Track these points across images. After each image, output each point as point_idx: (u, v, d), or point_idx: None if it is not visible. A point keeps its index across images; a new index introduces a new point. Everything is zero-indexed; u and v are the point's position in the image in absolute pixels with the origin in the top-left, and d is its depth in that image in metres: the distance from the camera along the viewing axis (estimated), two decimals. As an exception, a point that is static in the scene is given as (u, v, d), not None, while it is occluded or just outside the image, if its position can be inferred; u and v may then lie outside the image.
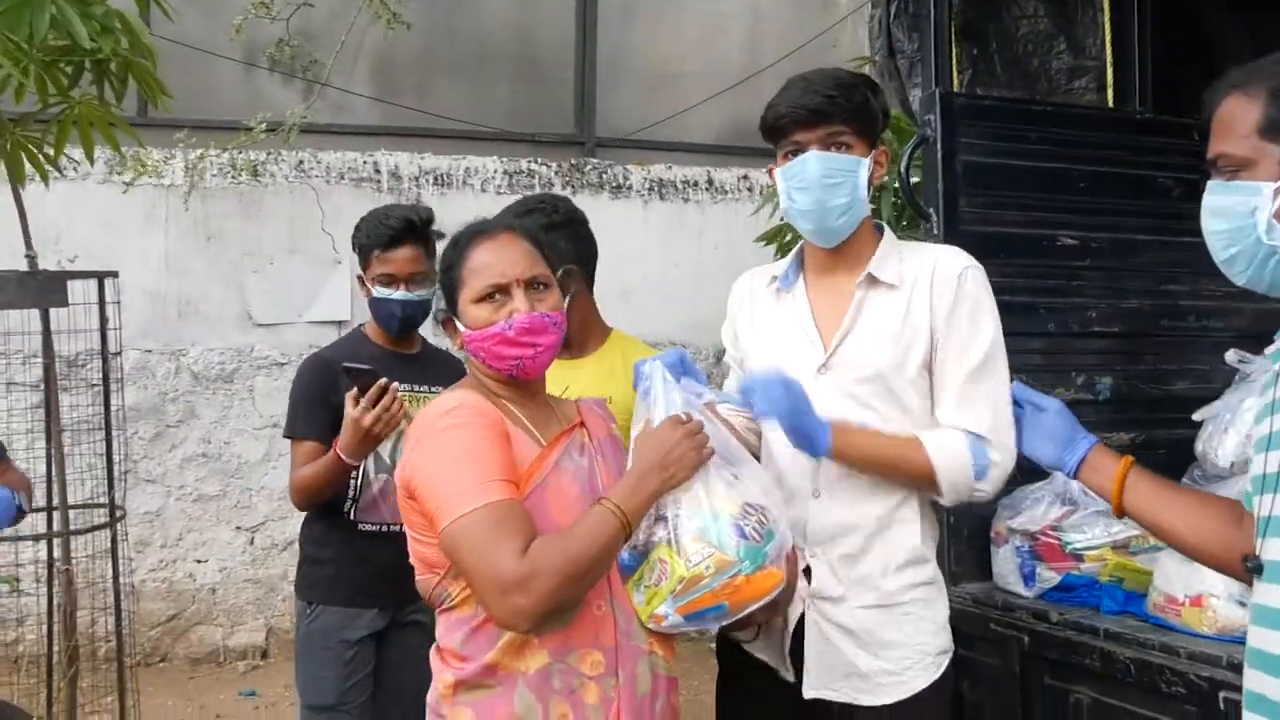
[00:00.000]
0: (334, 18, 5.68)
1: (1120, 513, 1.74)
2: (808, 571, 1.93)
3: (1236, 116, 1.44)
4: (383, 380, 2.47)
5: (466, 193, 5.57)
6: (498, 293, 1.71)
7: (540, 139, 6.03)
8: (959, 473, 1.86)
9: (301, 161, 5.41)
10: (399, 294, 2.70)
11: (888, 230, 2.04)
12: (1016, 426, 1.87)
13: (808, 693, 1.93)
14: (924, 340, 1.91)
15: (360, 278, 2.81)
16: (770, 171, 2.02)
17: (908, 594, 1.93)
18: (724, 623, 1.67)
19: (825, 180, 1.89)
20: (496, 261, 1.72)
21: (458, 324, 1.76)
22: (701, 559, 1.60)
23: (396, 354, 2.79)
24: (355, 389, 2.49)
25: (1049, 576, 2.44)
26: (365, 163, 5.51)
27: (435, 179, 5.59)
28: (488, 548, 1.52)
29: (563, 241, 2.39)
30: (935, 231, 2.63)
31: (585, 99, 6.11)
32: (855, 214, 1.94)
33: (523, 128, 6.02)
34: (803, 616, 1.94)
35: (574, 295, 2.37)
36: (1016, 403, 1.88)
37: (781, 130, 1.93)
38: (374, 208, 2.86)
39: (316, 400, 2.69)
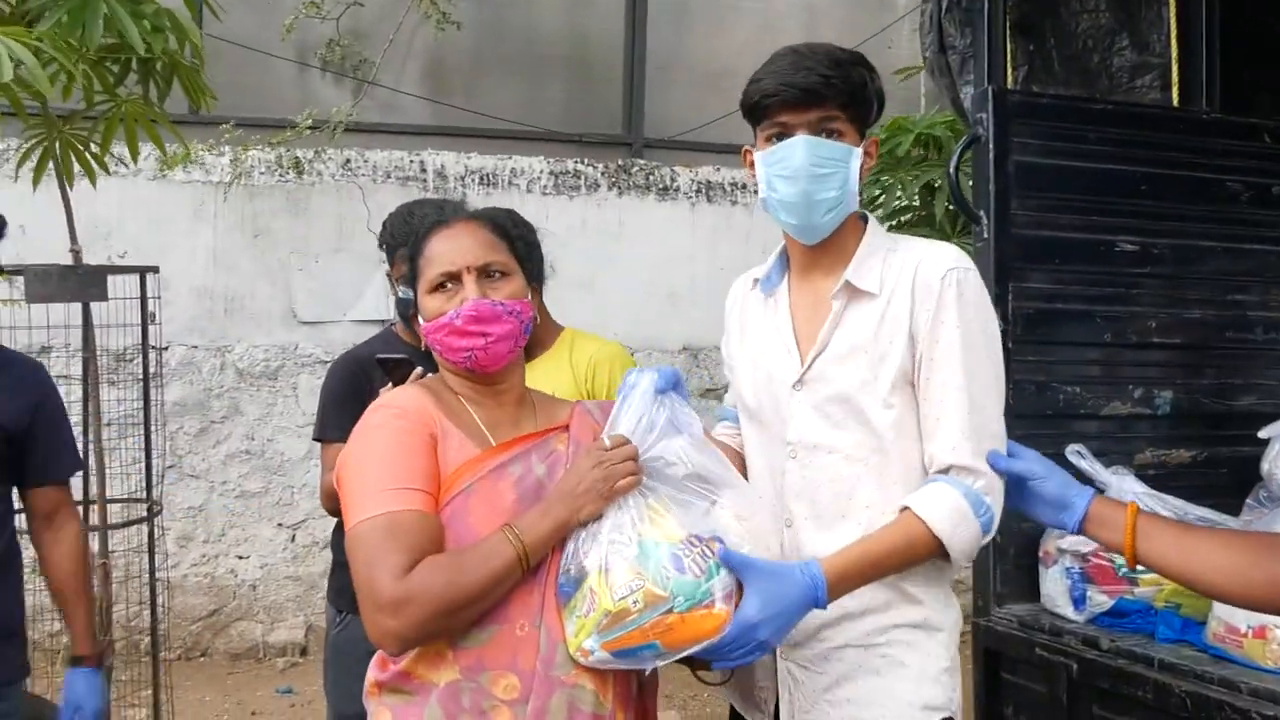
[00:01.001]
0: (384, 17, 5.69)
1: (1135, 563, 1.59)
2: None
3: None
4: (419, 370, 2.41)
5: (512, 193, 5.54)
6: (449, 281, 1.63)
7: (587, 140, 5.98)
8: (968, 540, 1.63)
9: (349, 160, 5.42)
10: None
11: (872, 221, 1.83)
12: (1008, 494, 1.68)
13: None
14: (899, 354, 1.69)
15: (389, 275, 2.77)
16: (747, 155, 1.79)
17: (886, 635, 1.70)
18: (662, 662, 1.49)
19: (814, 170, 1.68)
20: (448, 250, 1.65)
21: (420, 319, 1.69)
22: (629, 592, 1.44)
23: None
24: (390, 383, 2.43)
25: (1101, 600, 2.33)
26: (412, 161, 5.51)
27: (481, 178, 5.57)
28: (372, 561, 1.45)
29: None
30: (985, 235, 2.52)
31: (633, 100, 6.06)
32: (844, 209, 1.73)
33: (570, 128, 5.98)
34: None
35: None
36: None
37: (766, 110, 1.71)
38: (400, 203, 2.82)
39: (347, 400, 2.62)
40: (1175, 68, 2.85)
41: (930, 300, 1.69)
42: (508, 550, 1.47)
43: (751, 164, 1.79)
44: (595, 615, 1.45)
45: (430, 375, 1.99)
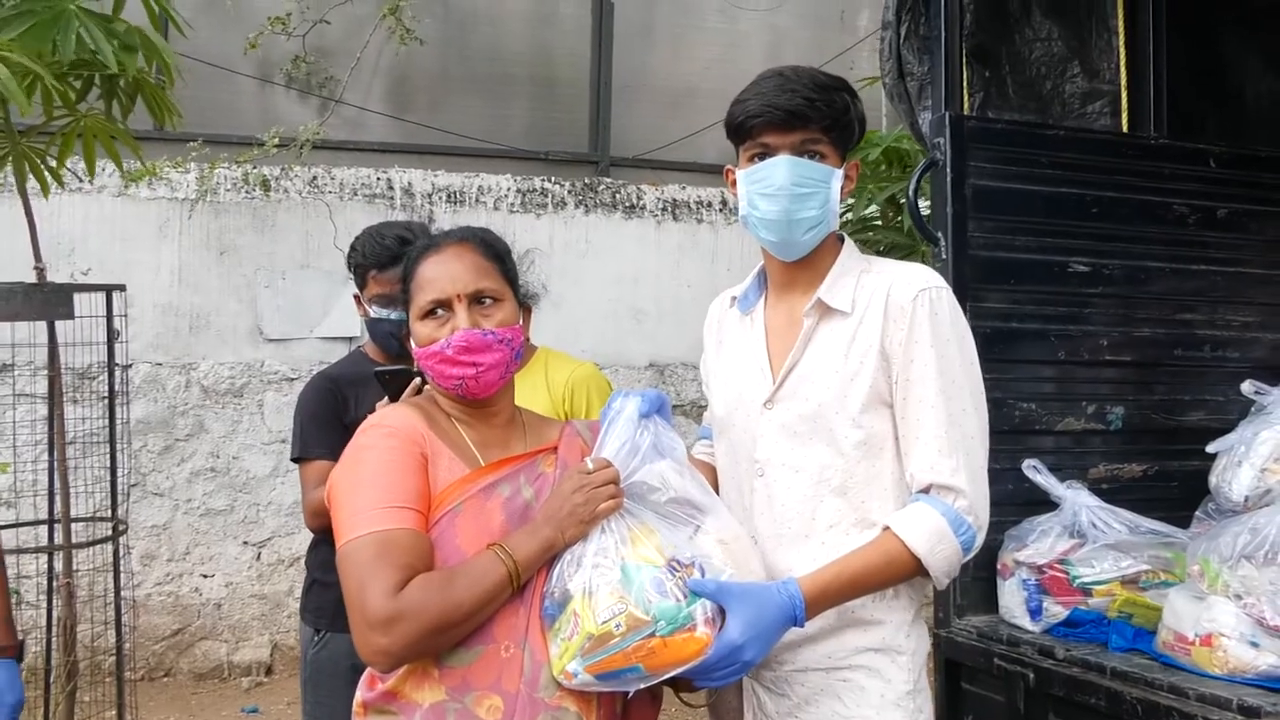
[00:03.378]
0: (350, 35, 5.71)
1: None
2: None
3: None
4: (417, 381, 2.39)
5: (479, 210, 5.57)
6: (440, 308, 1.63)
7: (554, 158, 6.03)
8: (947, 558, 1.67)
9: (315, 177, 5.43)
10: (397, 314, 2.66)
11: (848, 243, 1.87)
12: None
13: None
14: (869, 373, 1.72)
15: (357, 297, 2.77)
16: (729, 173, 1.83)
17: (849, 660, 1.72)
18: (645, 684, 1.50)
19: (796, 189, 1.72)
20: (439, 276, 1.64)
21: (411, 342, 1.70)
22: (612, 616, 1.46)
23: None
24: (386, 397, 2.41)
25: (1056, 611, 2.39)
26: (379, 179, 5.52)
27: (448, 196, 5.60)
28: (364, 578, 1.45)
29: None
30: (944, 256, 2.59)
31: (600, 118, 6.11)
32: (823, 228, 1.78)
33: (537, 146, 6.02)
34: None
35: None
36: None
37: (750, 130, 1.75)
38: (368, 223, 2.84)
39: (325, 419, 2.63)
40: (1124, 95, 2.94)
41: (904, 320, 1.72)
42: (499, 569, 1.49)
43: (734, 182, 1.82)
44: (579, 638, 1.47)
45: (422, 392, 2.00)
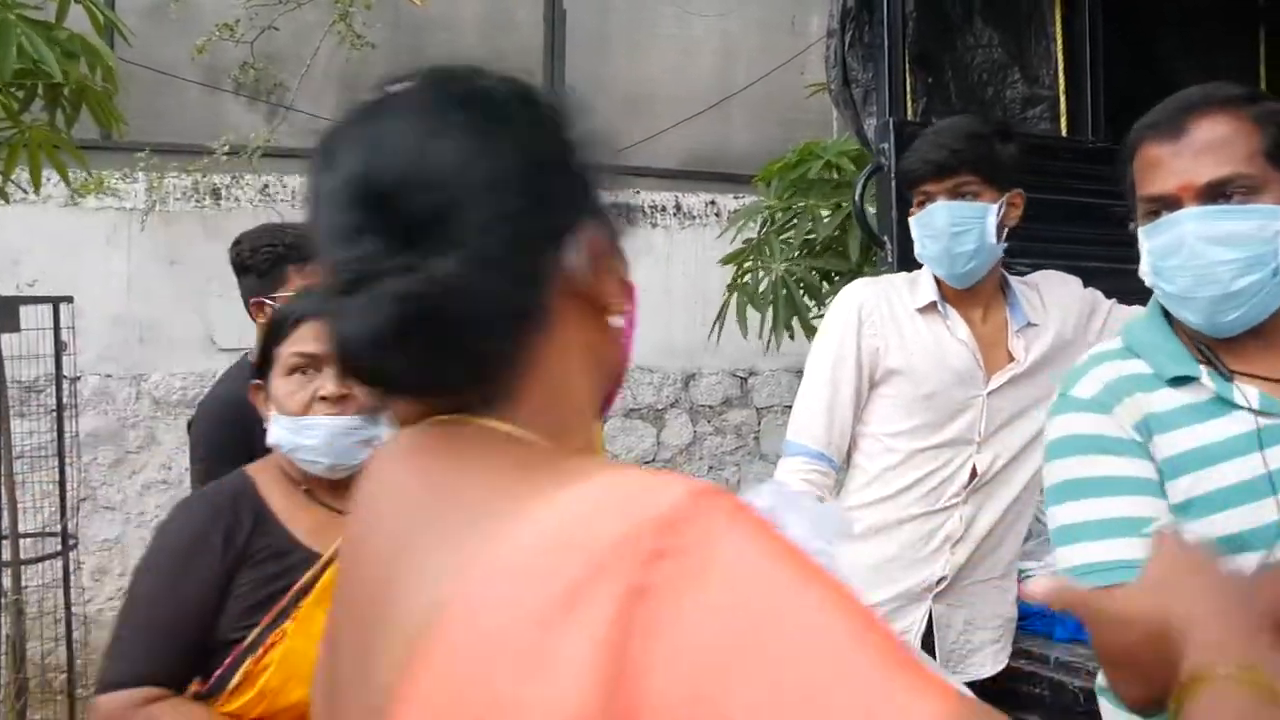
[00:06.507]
0: (299, 41, 5.67)
1: None
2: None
3: (1236, 139, 1.33)
4: None
5: (433, 217, 5.55)
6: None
7: (508, 163, 6.03)
8: None
9: (267, 185, 5.38)
10: None
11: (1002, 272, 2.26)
12: None
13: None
14: (1058, 355, 2.15)
15: (258, 302, 2.45)
16: (910, 215, 2.17)
17: (1012, 569, 2.25)
18: None
19: (952, 229, 2.06)
20: None
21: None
22: None
23: None
24: None
25: (1003, 604, 2.44)
26: (331, 187, 5.48)
27: (402, 203, 5.58)
28: None
29: None
30: (890, 260, 2.64)
31: (554, 124, 6.12)
32: (983, 257, 2.12)
33: (491, 152, 6.02)
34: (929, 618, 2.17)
35: None
36: None
37: (913, 182, 2.12)
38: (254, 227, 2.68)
39: (229, 450, 2.18)
40: (1063, 100, 3.02)
41: (1087, 302, 2.28)
42: None
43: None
44: None
45: None
